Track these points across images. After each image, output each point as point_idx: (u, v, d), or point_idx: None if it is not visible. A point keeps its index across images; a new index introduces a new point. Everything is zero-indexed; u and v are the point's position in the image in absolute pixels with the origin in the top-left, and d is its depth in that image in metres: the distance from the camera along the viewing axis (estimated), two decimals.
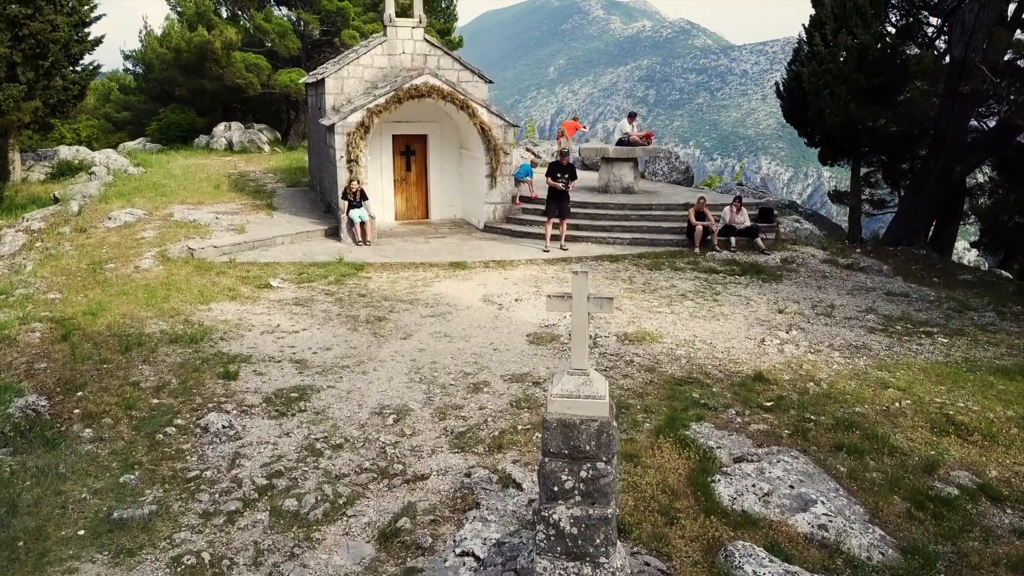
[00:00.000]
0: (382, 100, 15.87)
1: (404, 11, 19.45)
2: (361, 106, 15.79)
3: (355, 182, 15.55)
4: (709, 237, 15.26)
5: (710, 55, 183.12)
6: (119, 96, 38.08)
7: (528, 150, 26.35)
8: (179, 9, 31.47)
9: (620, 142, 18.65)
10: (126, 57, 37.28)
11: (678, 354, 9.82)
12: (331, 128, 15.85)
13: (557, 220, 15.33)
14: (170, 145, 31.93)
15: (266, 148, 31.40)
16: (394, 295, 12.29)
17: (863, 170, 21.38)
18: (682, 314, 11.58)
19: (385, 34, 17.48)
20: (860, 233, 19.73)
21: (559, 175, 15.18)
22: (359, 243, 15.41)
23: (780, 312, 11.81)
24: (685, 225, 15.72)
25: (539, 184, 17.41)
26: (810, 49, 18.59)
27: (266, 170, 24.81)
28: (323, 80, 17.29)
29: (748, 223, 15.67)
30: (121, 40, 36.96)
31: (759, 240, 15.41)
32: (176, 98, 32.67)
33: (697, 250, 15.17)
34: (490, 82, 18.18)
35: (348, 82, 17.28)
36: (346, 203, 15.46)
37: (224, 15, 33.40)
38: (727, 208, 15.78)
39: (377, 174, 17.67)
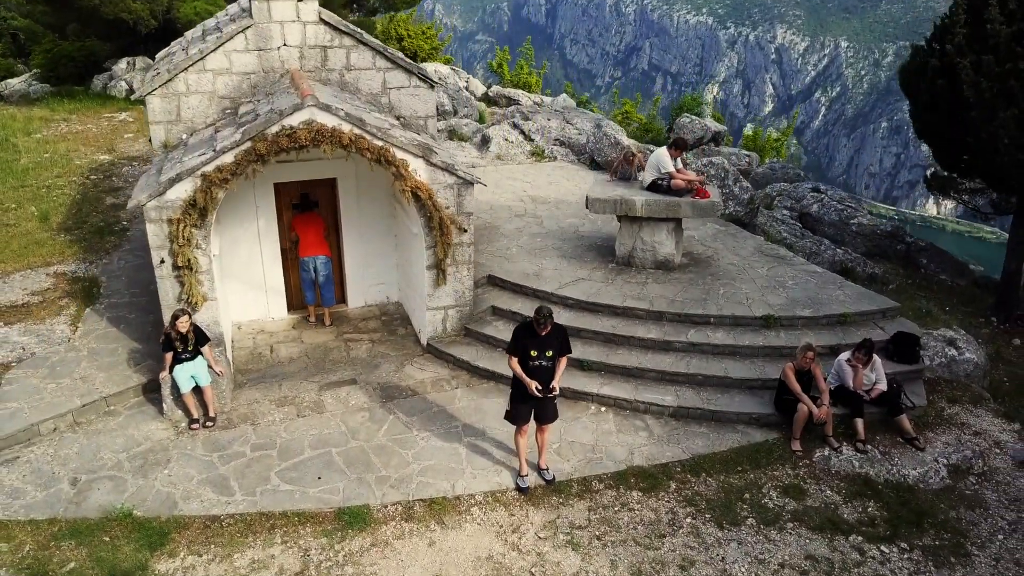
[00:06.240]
0: (230, 158, 8.76)
1: None
2: (191, 170, 8.69)
3: (184, 316, 8.68)
4: (818, 423, 8.53)
5: None
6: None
7: (516, 127, 18.79)
8: None
9: (654, 185, 11.30)
10: None
11: None
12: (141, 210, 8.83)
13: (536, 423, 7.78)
14: (61, 86, 24.68)
15: None
16: None
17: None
18: None
19: (251, 14, 10.07)
20: (1018, 308, 12.76)
21: (536, 353, 7.24)
22: (195, 424, 8.79)
23: None
24: (777, 379, 8.93)
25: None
26: (966, 34, 10.80)
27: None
28: (145, 100, 10.06)
29: (883, 385, 8.84)
30: None
31: (904, 418, 8.66)
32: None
33: (797, 448, 8.51)
34: (435, 84, 10.91)
35: (189, 101, 10.06)
36: (170, 354, 8.69)
37: None
38: (844, 361, 8.83)
39: (252, 243, 10.82)
